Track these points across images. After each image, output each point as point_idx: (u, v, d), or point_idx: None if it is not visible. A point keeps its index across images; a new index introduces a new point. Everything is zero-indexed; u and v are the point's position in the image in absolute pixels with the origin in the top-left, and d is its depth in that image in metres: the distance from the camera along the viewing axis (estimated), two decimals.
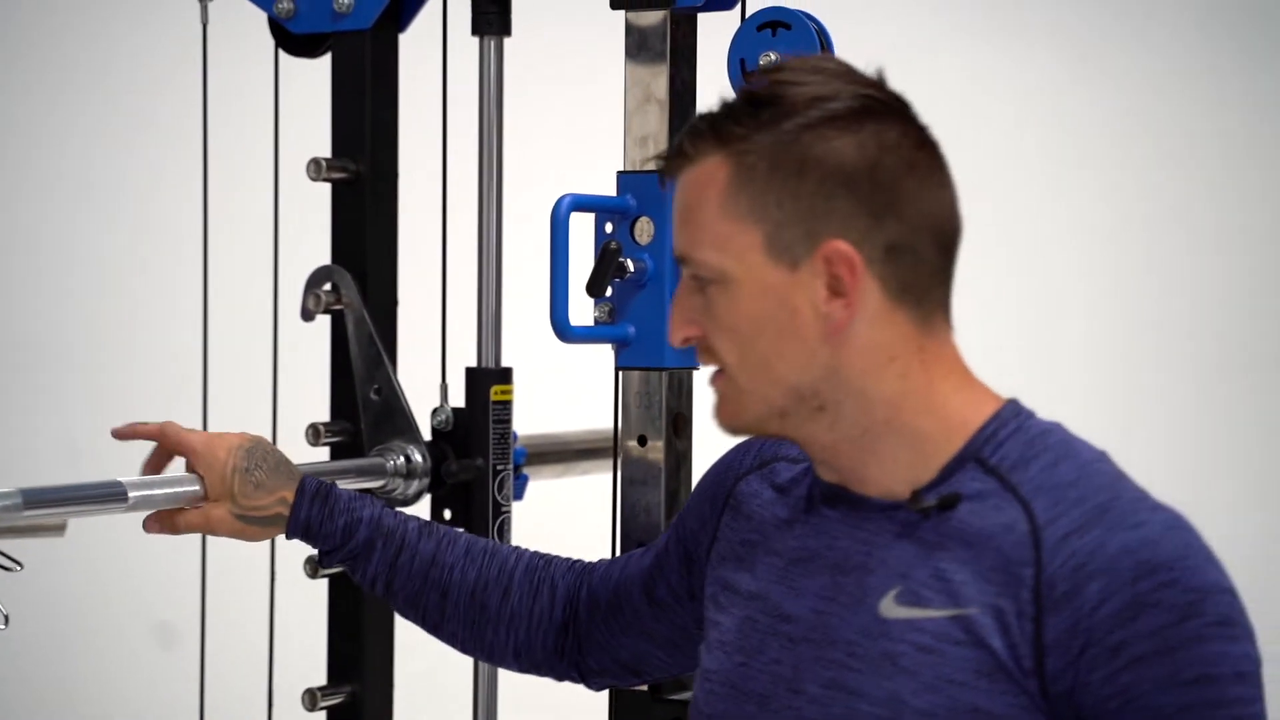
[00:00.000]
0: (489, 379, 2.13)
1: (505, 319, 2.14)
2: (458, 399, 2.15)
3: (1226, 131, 3.87)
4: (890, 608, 1.36)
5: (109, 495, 1.71)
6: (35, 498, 1.65)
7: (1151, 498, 1.37)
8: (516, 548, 1.76)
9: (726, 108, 1.39)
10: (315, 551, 1.81)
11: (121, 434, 1.76)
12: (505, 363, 2.16)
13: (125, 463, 1.95)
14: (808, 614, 1.41)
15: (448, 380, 2.18)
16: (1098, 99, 3.86)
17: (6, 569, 2.35)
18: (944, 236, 1.39)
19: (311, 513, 1.72)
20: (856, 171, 1.36)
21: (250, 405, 2.35)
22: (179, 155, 2.64)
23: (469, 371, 2.15)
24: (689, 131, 1.41)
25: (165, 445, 1.74)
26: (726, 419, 1.43)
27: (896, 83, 1.38)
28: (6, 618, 2.38)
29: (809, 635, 1.40)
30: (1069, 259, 3.91)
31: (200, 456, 1.72)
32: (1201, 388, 3.93)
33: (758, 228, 1.36)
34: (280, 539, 1.80)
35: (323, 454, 2.21)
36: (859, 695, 1.36)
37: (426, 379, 2.19)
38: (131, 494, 1.72)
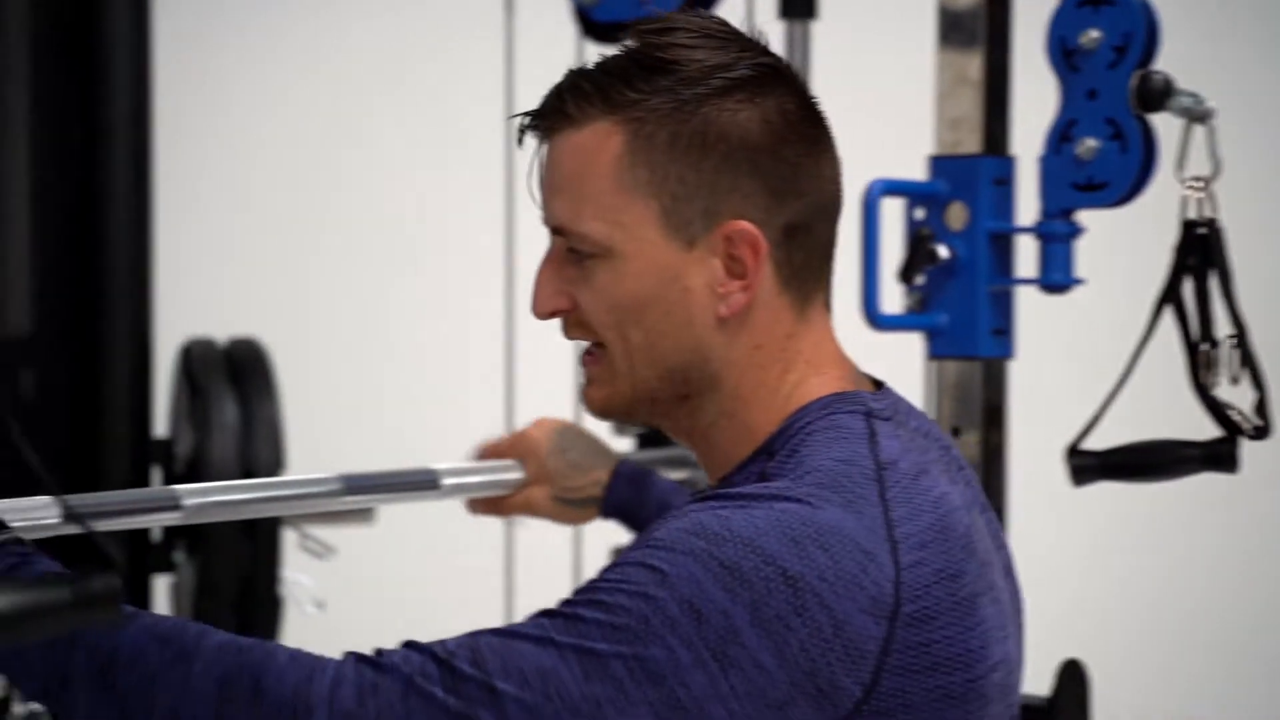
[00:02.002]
0: None
1: None
2: None
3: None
4: None
5: (423, 483, 1.75)
6: (355, 484, 1.68)
7: (821, 500, 1.24)
8: None
9: (612, 69, 1.30)
10: None
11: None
12: None
13: (431, 450, 1.98)
14: None
15: None
16: None
17: (318, 555, 2.42)
18: (834, 213, 1.34)
19: (627, 495, 1.74)
20: (760, 148, 1.29)
21: (554, 394, 2.36)
22: (483, 140, 2.66)
23: None
24: (570, 91, 1.31)
25: (489, 455, 1.79)
26: (597, 403, 1.36)
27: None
28: (321, 603, 2.44)
29: None
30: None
31: (515, 445, 1.76)
32: None
33: (654, 201, 1.29)
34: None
35: (628, 444, 2.20)
36: None
37: None
38: (445, 481, 1.75)
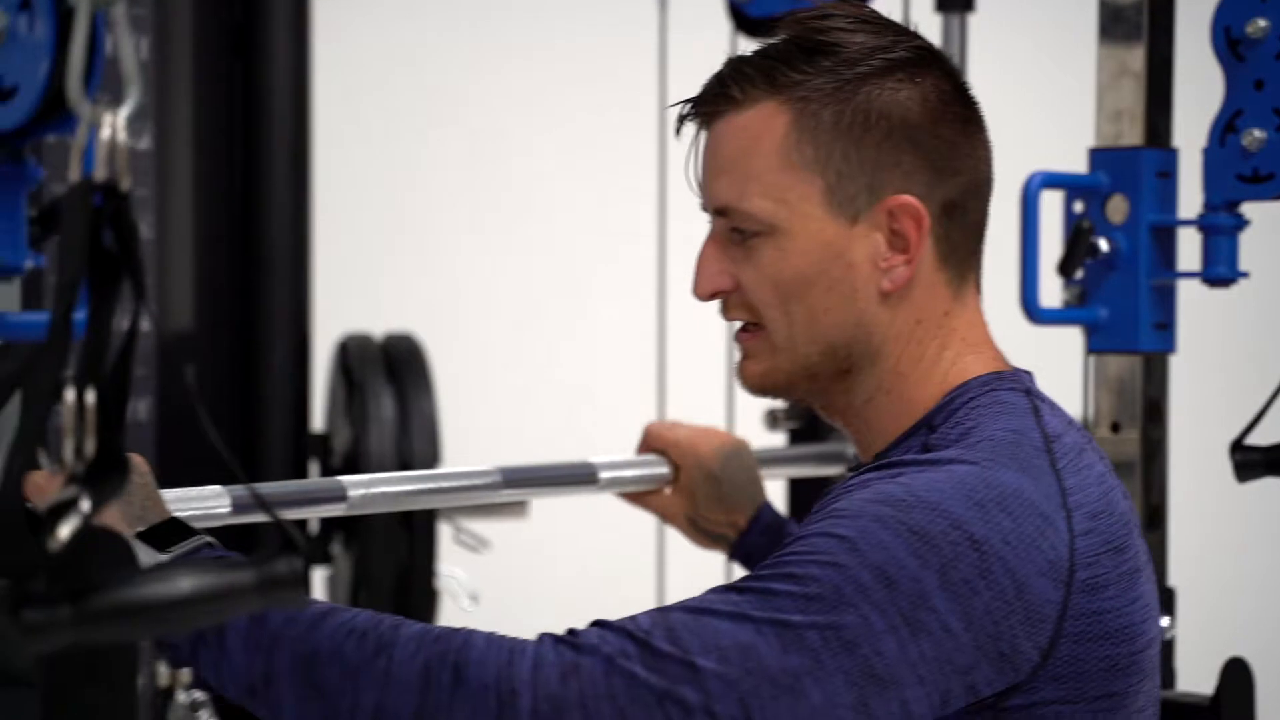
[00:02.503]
0: None
1: None
2: None
3: None
4: None
5: (581, 477, 1.75)
6: (514, 477, 1.69)
7: (997, 464, 1.25)
8: None
9: (773, 53, 1.33)
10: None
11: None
12: None
13: (581, 445, 1.99)
14: None
15: None
16: None
17: (473, 549, 2.44)
18: (986, 194, 1.36)
19: (759, 543, 1.73)
20: (920, 125, 1.32)
21: (705, 389, 2.37)
22: (637, 135, 2.67)
23: None
24: (733, 75, 1.34)
25: (648, 445, 1.78)
26: (755, 378, 1.38)
27: None
28: (475, 597, 2.46)
29: None
30: None
31: (682, 451, 1.74)
32: None
33: (819, 178, 1.32)
34: None
35: (779, 440, 2.20)
36: None
37: None
38: (602, 475, 1.76)
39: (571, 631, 1.24)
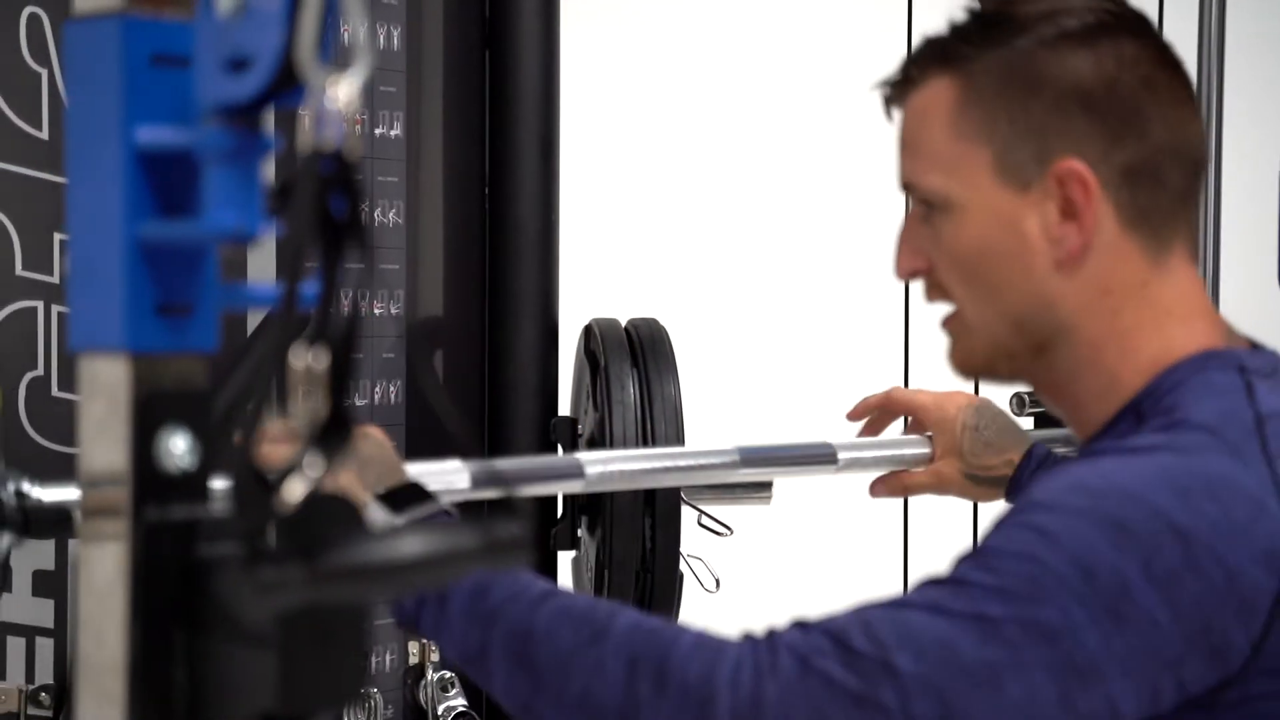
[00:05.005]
0: None
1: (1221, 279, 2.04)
2: None
3: None
4: None
5: (820, 457, 1.75)
6: (751, 456, 1.70)
7: (1203, 449, 1.20)
8: None
9: (955, 29, 1.33)
10: None
11: (854, 415, 1.83)
12: None
13: (829, 431, 1.98)
14: None
15: None
16: None
17: (717, 533, 2.43)
18: (1188, 160, 1.30)
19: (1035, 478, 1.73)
20: (1094, 89, 1.28)
21: (951, 371, 2.33)
22: (880, 114, 2.65)
23: None
24: (914, 56, 1.34)
25: (893, 409, 1.80)
26: (959, 361, 1.38)
27: None
28: (718, 582, 2.46)
29: None
30: None
31: (930, 413, 1.77)
32: None
33: (987, 148, 1.31)
34: None
35: (1026, 423, 2.16)
36: None
37: None
38: (841, 455, 1.75)
39: (770, 632, 1.23)
